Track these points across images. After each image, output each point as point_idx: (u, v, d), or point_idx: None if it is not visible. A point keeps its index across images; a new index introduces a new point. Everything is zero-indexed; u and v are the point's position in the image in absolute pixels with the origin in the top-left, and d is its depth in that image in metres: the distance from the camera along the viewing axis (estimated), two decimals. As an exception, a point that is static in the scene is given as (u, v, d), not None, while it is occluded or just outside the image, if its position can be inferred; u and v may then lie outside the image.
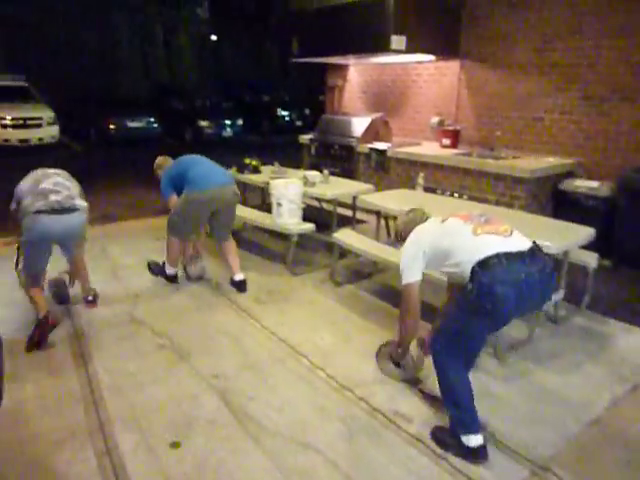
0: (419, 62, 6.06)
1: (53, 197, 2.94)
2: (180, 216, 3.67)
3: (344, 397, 2.55)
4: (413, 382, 2.62)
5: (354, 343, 3.11)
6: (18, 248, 3.08)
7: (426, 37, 5.10)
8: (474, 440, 1.89)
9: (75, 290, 3.61)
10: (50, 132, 11.62)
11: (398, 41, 4.91)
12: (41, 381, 2.63)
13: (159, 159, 3.96)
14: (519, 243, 1.79)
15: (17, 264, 3.14)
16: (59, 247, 3.22)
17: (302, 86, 18.44)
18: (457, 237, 1.84)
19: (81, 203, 3.08)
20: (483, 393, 2.50)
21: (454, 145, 5.59)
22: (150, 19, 19.11)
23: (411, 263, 1.98)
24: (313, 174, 4.65)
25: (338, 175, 5.45)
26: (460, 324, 1.79)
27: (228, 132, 14.59)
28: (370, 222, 5.43)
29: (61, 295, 3.51)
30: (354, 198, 4.75)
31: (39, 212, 2.86)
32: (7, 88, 12.29)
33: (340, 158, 6.16)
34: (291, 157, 7.19)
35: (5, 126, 11.17)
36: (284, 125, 16.28)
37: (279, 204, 4.15)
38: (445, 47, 5.36)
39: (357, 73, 7.10)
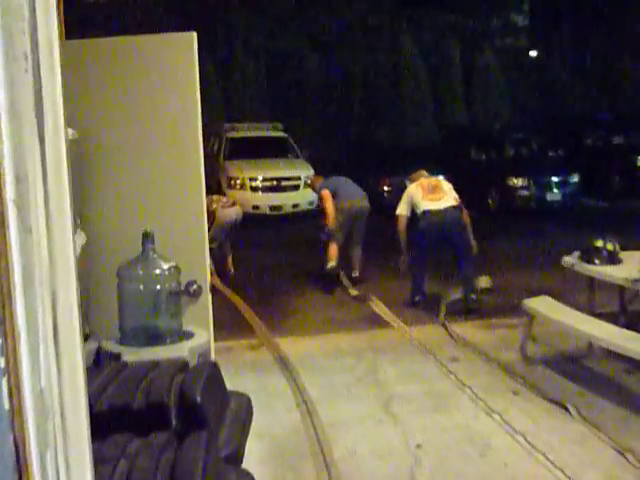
0: None
1: None
2: (336, 223, 7.56)
3: None
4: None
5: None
6: None
7: None
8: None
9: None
10: (307, 196, 12.76)
11: None
12: None
13: (317, 178, 8.78)
14: (443, 204, 6.29)
15: None
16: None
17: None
18: (417, 198, 6.43)
19: None
20: None
21: None
22: (442, 37, 20.32)
23: (402, 203, 6.62)
24: None
25: None
26: (416, 241, 6.52)
27: (555, 194, 13.77)
28: None
29: None
30: None
31: None
32: (265, 140, 14.28)
33: None
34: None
35: (256, 189, 12.71)
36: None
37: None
38: None
39: None
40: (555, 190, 13.78)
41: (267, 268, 8.67)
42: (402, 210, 6.61)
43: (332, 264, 7.42)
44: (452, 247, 6.51)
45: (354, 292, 7.18)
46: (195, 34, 3.30)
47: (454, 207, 6.35)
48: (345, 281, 7.63)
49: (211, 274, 7.61)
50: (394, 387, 4.57)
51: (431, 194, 6.38)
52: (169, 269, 3.16)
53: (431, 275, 6.89)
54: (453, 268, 6.66)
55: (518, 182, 13.67)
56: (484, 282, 6.82)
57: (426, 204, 6.32)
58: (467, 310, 6.31)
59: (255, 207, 12.39)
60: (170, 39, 3.34)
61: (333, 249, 7.49)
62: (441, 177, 7.89)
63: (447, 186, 6.62)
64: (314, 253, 8.74)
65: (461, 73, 20.70)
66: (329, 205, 7.52)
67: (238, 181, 12.66)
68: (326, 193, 7.59)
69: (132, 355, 2.96)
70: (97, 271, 3.31)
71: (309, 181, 12.61)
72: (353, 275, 7.70)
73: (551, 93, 20.66)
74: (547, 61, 21.12)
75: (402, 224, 6.59)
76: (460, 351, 5.25)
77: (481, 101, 20.80)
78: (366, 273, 7.86)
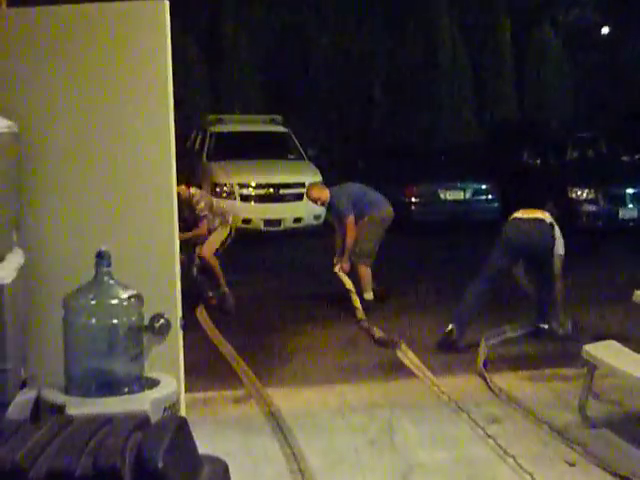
0: None
1: None
2: (373, 241, 8.09)
3: None
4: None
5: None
6: None
7: None
8: None
9: None
10: (314, 208, 12.78)
11: None
12: None
13: (319, 188, 8.86)
14: (534, 215, 7.08)
15: None
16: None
17: None
18: None
19: None
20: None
21: None
22: (487, 8, 20.44)
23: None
24: None
25: None
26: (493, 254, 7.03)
27: (630, 210, 13.68)
28: None
29: None
30: None
31: None
32: (260, 136, 14.36)
33: None
34: None
35: (247, 198, 12.77)
36: None
37: None
38: None
39: None
40: (630, 205, 13.73)
41: (259, 299, 8.69)
42: None
43: (369, 296, 8.00)
44: (536, 266, 7.04)
45: (378, 333, 7.08)
46: (167, 3, 3.36)
47: (545, 221, 6.95)
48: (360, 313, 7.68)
49: (210, 298, 8.00)
50: (416, 454, 4.55)
51: (524, 208, 7.20)
52: (129, 299, 3.19)
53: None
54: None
55: (583, 194, 13.70)
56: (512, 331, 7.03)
57: (516, 213, 7.08)
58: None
59: (246, 221, 12.38)
60: (136, 8, 3.39)
61: (366, 276, 8.05)
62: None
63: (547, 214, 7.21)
64: (320, 281, 8.77)
65: (512, 55, 20.79)
66: (350, 239, 7.90)
67: (225, 188, 12.72)
68: (352, 222, 7.92)
69: (79, 407, 2.98)
70: (38, 300, 3.35)
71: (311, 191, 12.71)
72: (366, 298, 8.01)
73: (627, 82, 20.69)
74: (623, 40, 21.15)
75: None
76: (502, 409, 5.24)
77: (537, 91, 20.85)
78: (387, 307, 7.98)
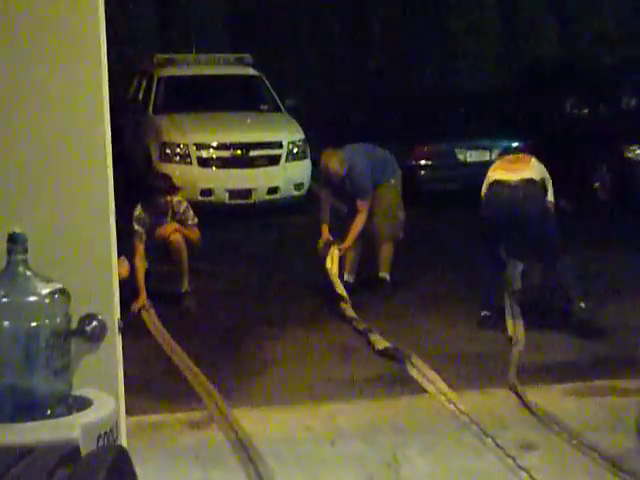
0: None
1: None
2: (402, 208, 8.86)
3: None
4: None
5: None
6: None
7: None
8: None
9: None
10: (295, 174, 12.80)
11: None
12: None
13: (330, 154, 8.57)
14: (518, 175, 7.36)
15: None
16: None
17: None
18: (489, 173, 7.78)
19: None
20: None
21: None
22: None
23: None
24: None
25: None
26: (481, 229, 7.96)
27: None
28: None
29: None
30: None
31: None
32: (223, 81, 14.29)
33: None
34: None
35: (206, 162, 12.77)
36: None
37: None
38: None
39: None
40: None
41: (224, 293, 8.71)
42: None
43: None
44: (531, 239, 7.45)
45: (382, 344, 6.99)
46: None
47: (533, 181, 7.20)
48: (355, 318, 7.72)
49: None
50: (427, 493, 4.56)
51: (508, 164, 7.52)
52: (52, 294, 3.19)
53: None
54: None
55: (643, 152, 13.72)
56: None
57: (497, 174, 7.31)
58: (580, 326, 6.93)
59: (206, 192, 12.47)
60: None
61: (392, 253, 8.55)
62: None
63: (536, 164, 7.47)
64: (302, 270, 8.78)
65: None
66: (360, 222, 8.25)
67: (178, 149, 12.72)
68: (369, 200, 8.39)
69: (-11, 436, 2.98)
70: None
71: (298, 148, 12.70)
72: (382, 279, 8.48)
73: None
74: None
75: None
76: (538, 432, 5.27)
77: (580, 19, 20.84)
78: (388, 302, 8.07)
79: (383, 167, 8.58)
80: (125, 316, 3.82)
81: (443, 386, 5.97)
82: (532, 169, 7.30)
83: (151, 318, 7.65)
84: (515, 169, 7.30)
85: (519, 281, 7.84)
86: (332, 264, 8.12)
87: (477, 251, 7.62)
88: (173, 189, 8.45)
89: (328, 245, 8.27)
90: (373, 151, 8.83)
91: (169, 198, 8.24)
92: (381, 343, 6.96)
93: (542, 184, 7.34)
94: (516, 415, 5.57)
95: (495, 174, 7.36)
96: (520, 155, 8.01)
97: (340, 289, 7.98)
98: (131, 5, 18.99)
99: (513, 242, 7.58)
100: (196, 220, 8.40)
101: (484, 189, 7.46)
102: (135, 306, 7.75)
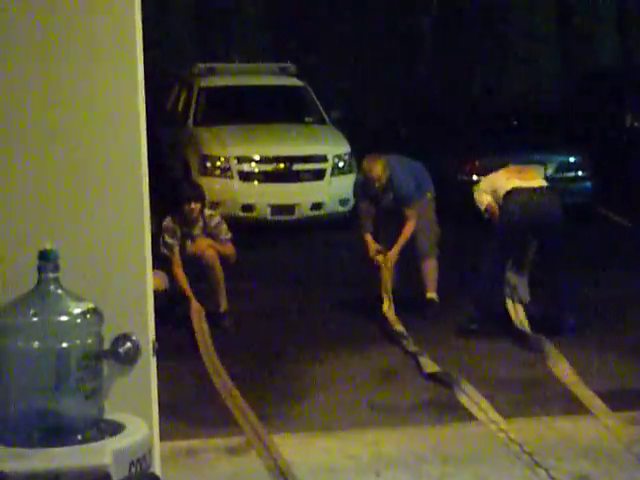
0: None
1: None
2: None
3: None
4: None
5: None
6: None
7: None
8: None
9: None
10: (340, 189, 12.81)
11: None
12: None
13: (373, 159, 8.59)
14: (535, 183, 8.12)
15: None
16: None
17: None
18: (500, 181, 8.22)
19: None
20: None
21: None
22: None
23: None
24: None
25: None
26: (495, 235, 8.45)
27: None
28: None
29: None
30: None
31: None
32: (265, 92, 14.41)
33: None
34: None
35: (248, 176, 12.82)
36: None
37: None
38: None
39: None
40: None
41: (266, 314, 8.69)
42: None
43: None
44: (551, 244, 7.93)
45: (430, 367, 7.02)
46: None
47: (551, 189, 7.84)
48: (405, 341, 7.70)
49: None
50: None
51: (518, 173, 7.99)
52: (84, 314, 3.19)
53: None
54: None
55: None
56: None
57: (512, 182, 7.71)
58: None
59: (247, 208, 12.49)
60: None
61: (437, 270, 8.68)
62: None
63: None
64: (347, 290, 8.76)
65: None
66: (409, 229, 8.42)
67: (218, 163, 12.76)
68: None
69: (17, 461, 2.98)
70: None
71: (343, 163, 12.67)
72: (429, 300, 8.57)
73: None
74: None
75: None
76: (596, 464, 5.18)
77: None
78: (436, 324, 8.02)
79: (420, 180, 8.65)
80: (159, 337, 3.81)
81: (493, 413, 5.92)
82: (542, 178, 7.98)
83: (203, 333, 7.60)
84: (528, 178, 7.83)
85: (527, 294, 8.02)
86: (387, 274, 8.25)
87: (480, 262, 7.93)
88: (200, 196, 8.41)
89: (379, 252, 8.31)
90: (410, 163, 8.92)
91: (194, 206, 8.18)
92: (430, 367, 6.92)
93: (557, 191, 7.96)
94: (570, 445, 5.49)
95: (510, 182, 7.70)
96: (521, 166, 8.65)
97: (391, 312, 8.06)
98: (170, 12, 19.07)
99: (526, 250, 7.97)
100: (230, 235, 8.42)
101: (491, 198, 7.89)
102: (193, 315, 7.79)
